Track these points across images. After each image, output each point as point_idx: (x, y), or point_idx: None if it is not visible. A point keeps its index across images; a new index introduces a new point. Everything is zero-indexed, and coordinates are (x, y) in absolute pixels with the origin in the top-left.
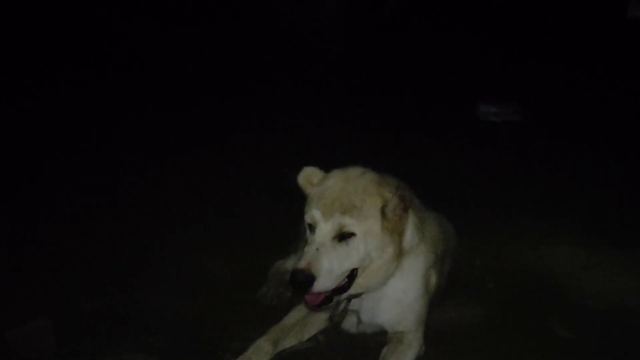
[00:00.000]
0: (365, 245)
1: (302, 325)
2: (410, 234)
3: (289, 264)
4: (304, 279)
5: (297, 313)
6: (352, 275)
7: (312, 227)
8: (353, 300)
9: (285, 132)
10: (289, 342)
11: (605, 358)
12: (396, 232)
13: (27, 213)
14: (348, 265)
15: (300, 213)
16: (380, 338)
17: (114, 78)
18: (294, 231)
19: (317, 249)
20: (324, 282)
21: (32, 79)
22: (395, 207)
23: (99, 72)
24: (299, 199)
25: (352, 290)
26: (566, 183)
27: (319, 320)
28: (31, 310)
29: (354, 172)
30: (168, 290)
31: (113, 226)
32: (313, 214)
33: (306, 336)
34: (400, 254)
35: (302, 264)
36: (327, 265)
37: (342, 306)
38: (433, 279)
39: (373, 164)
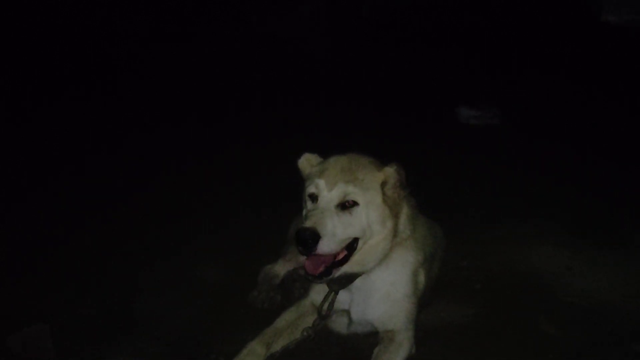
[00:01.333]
0: (367, 215)
1: (293, 326)
2: (403, 223)
3: (278, 268)
4: (310, 236)
5: (289, 315)
6: (352, 247)
7: (314, 197)
8: (344, 299)
9: (274, 141)
10: (281, 343)
11: (591, 353)
12: (394, 210)
13: (25, 221)
14: (351, 232)
15: (288, 218)
16: (371, 339)
17: (113, 93)
18: (282, 236)
19: (322, 213)
20: (328, 243)
21: (34, 90)
22: (394, 183)
23: (100, 87)
24: (287, 206)
25: (348, 267)
26: (548, 185)
27: (310, 321)
28: (30, 316)
29: (353, 155)
30: (162, 297)
31: (108, 234)
32: (317, 182)
33: (298, 338)
34: (395, 236)
35: (308, 223)
36: (331, 227)
37: (330, 298)
38: (421, 279)
39: None
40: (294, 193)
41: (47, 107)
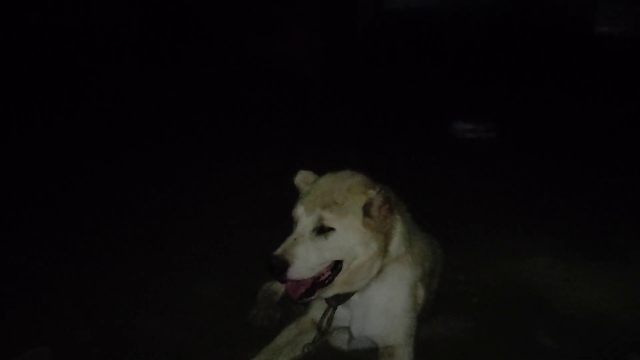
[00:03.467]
0: (346, 240)
1: (293, 344)
2: (397, 241)
3: (277, 285)
4: (277, 264)
5: (289, 332)
6: (337, 268)
7: (295, 223)
8: (344, 315)
9: (272, 158)
10: None
11: None
12: (381, 232)
13: (22, 243)
14: (328, 257)
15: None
16: (372, 355)
17: (104, 112)
18: None
19: (295, 239)
20: (298, 270)
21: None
22: (379, 205)
23: (93, 106)
24: (287, 223)
25: (338, 289)
26: (544, 198)
27: (310, 338)
28: (29, 339)
29: (344, 174)
30: (161, 317)
31: (106, 252)
32: (297, 209)
33: (299, 355)
34: (385, 256)
35: (278, 250)
36: (303, 254)
37: (328, 314)
38: (421, 293)
39: None
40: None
41: (45, 121)
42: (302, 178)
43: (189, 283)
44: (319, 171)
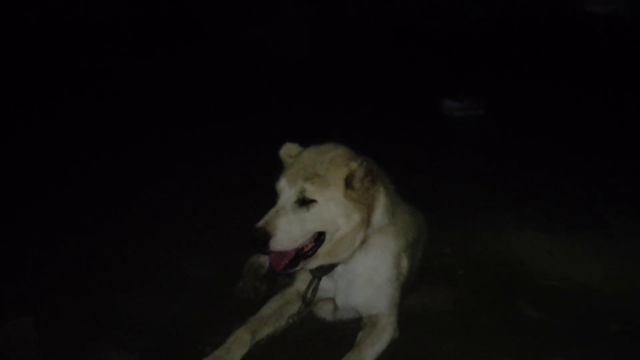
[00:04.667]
0: (329, 211)
1: (279, 314)
2: (380, 212)
3: (263, 258)
4: (259, 236)
5: (274, 303)
6: (320, 240)
7: (278, 196)
8: (328, 286)
9: (260, 141)
10: (266, 331)
11: (571, 334)
12: (363, 203)
13: (14, 221)
14: (311, 228)
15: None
16: (356, 325)
17: (98, 102)
18: None
19: (277, 211)
20: (280, 241)
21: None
22: (361, 177)
23: (89, 95)
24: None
25: (321, 260)
26: (529, 174)
27: (295, 308)
28: (13, 311)
29: (327, 146)
30: (148, 292)
31: (94, 230)
32: (280, 182)
33: (283, 325)
34: (368, 227)
35: (260, 223)
36: (285, 225)
37: (313, 285)
38: (405, 263)
39: None
40: None
41: (45, 111)
42: (287, 150)
43: (178, 260)
44: (307, 144)
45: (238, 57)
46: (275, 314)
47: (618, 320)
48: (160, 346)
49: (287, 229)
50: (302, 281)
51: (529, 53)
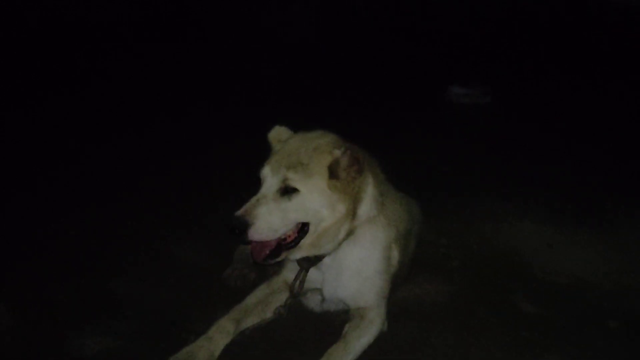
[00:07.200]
0: (312, 201)
1: (264, 303)
2: (368, 203)
3: None
4: (237, 224)
5: (260, 292)
6: (304, 230)
7: (262, 184)
8: (316, 277)
9: (263, 129)
10: (251, 321)
11: (566, 330)
12: (349, 194)
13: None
14: (293, 218)
15: None
16: (344, 316)
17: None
18: None
19: (257, 200)
20: (259, 230)
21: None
22: (346, 166)
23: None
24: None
25: (305, 252)
26: (532, 164)
27: (282, 298)
28: None
29: (315, 133)
30: (135, 276)
31: (80, 212)
32: (264, 169)
33: (268, 314)
34: (354, 219)
35: (240, 211)
36: (265, 214)
37: (301, 277)
38: (395, 255)
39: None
40: None
41: (44, 109)
42: (276, 135)
43: (169, 246)
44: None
45: (243, 46)
46: (261, 304)
47: (617, 317)
48: (146, 332)
49: (267, 219)
50: (289, 270)
51: (542, 41)
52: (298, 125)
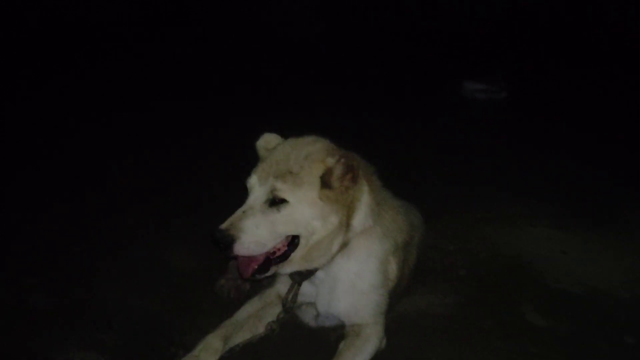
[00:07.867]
0: (301, 213)
1: (256, 318)
2: (362, 213)
3: None
4: (221, 238)
5: (251, 306)
6: (294, 244)
7: (248, 193)
8: (310, 291)
9: (261, 126)
10: (242, 336)
11: (577, 345)
12: (342, 204)
13: None
14: (282, 231)
15: None
16: (341, 331)
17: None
18: None
19: (243, 212)
20: (245, 245)
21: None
22: (340, 175)
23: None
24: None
25: (296, 266)
26: (546, 164)
27: (274, 312)
28: None
29: (306, 139)
30: (125, 284)
31: (69, 218)
32: (251, 179)
33: (260, 330)
34: (348, 230)
35: (224, 224)
36: (252, 228)
37: (293, 291)
38: (393, 268)
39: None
40: None
41: (42, 100)
42: (264, 143)
43: (157, 250)
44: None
45: (243, 46)
46: (252, 318)
47: (634, 332)
48: (133, 346)
49: (254, 232)
50: (282, 283)
51: (559, 37)
52: (298, 126)
